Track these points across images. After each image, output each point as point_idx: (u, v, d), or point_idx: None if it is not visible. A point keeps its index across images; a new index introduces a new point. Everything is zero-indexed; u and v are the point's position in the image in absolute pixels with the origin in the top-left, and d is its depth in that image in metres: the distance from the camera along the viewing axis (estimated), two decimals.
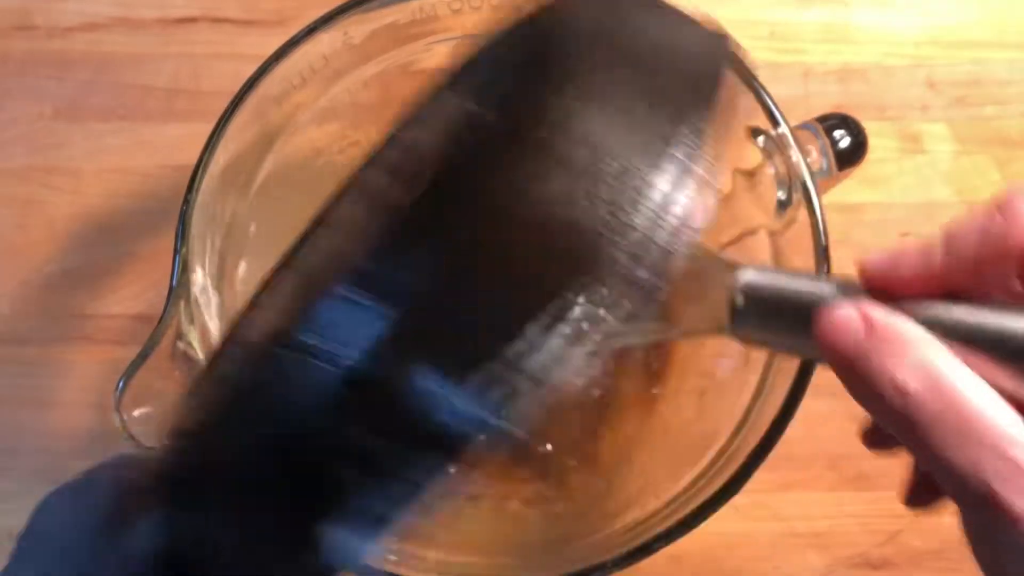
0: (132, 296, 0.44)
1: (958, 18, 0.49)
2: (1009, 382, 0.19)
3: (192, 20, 0.48)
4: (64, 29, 0.48)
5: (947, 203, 0.47)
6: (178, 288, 0.29)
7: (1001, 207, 0.20)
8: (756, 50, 0.48)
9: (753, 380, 0.33)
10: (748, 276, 0.26)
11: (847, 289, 0.24)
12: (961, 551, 0.46)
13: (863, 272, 0.22)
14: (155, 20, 0.48)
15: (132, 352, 0.44)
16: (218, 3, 0.48)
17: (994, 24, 0.49)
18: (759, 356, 0.34)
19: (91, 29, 0.48)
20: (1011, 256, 0.20)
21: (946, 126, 0.48)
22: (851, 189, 0.47)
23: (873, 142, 0.48)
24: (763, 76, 0.48)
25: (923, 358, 0.19)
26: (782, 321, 0.26)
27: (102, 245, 0.45)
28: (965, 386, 0.19)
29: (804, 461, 0.43)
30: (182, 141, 0.46)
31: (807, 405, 0.31)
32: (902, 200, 0.47)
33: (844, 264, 0.46)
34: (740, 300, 0.26)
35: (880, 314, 0.20)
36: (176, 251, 0.30)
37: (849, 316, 0.21)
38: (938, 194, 0.47)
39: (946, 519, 0.42)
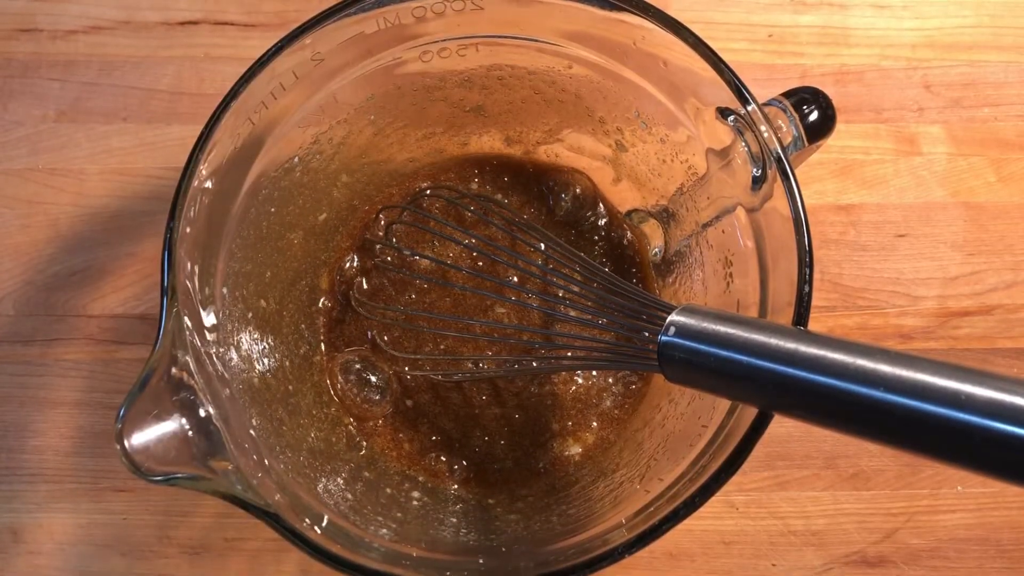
0: (135, 296, 0.45)
1: (954, 21, 0.50)
2: None
3: (194, 23, 0.48)
4: (67, 32, 0.48)
5: (943, 204, 0.47)
6: (168, 316, 0.28)
7: None
8: (754, 53, 0.49)
9: None
10: (677, 317, 0.28)
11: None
12: (957, 549, 0.46)
13: None
14: (157, 23, 0.48)
15: (135, 352, 0.45)
16: (220, 6, 0.48)
17: (989, 27, 0.50)
18: None
19: (94, 32, 0.48)
20: None
21: (942, 128, 0.48)
22: (848, 190, 0.47)
23: (869, 144, 0.48)
24: (761, 78, 0.49)
25: None
26: (706, 365, 0.27)
27: (105, 246, 0.45)
28: None
29: (801, 460, 0.44)
30: (185, 143, 0.46)
31: None
32: (898, 201, 0.47)
33: (843, 264, 0.46)
34: (666, 338, 0.28)
35: None
36: (164, 277, 0.29)
37: None
38: (934, 195, 0.47)
39: (943, 517, 0.43)
